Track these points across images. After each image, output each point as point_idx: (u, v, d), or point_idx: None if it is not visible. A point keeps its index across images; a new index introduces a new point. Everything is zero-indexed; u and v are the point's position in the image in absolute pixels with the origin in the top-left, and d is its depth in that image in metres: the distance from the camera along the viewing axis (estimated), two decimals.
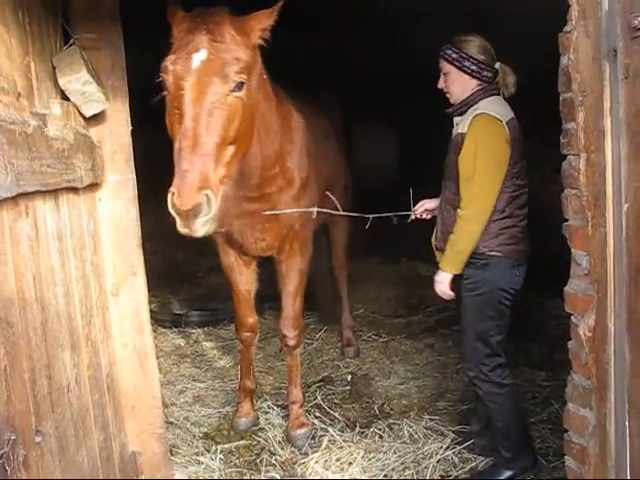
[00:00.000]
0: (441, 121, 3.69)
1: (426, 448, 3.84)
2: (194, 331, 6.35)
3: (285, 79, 3.78)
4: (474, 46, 3.37)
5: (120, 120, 3.05)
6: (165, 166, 2.72)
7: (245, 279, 4.14)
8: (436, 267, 3.52)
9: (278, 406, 4.56)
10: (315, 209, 3.75)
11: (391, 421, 4.23)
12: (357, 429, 4.14)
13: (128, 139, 3.07)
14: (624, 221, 2.05)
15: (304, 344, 5.21)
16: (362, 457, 3.77)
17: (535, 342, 5.14)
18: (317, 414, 4.40)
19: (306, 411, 4.30)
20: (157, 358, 3.37)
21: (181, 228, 2.58)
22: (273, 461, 3.85)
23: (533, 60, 4.13)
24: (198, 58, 2.67)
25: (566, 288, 2.47)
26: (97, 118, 2.94)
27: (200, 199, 2.50)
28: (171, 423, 4.30)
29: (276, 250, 3.97)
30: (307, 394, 4.56)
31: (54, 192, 2.37)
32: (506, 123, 3.24)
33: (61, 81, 2.65)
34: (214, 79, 2.66)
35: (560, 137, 2.42)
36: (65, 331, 2.41)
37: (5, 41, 2.14)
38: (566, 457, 2.57)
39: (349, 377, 5.05)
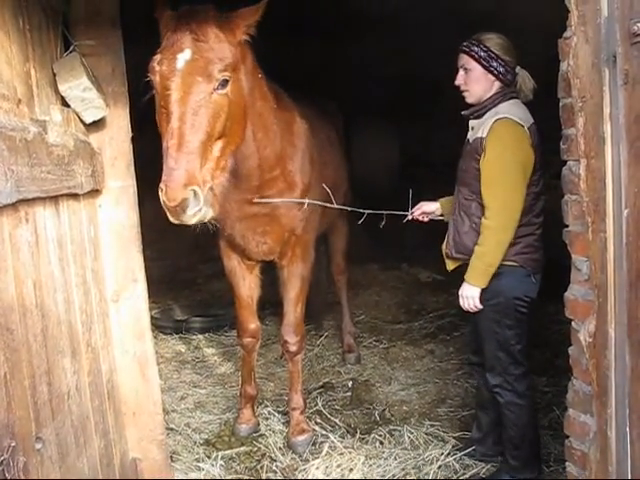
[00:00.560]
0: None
1: (427, 454, 3.82)
2: (195, 337, 6.33)
3: (286, 85, 3.82)
4: (501, 46, 3.25)
5: (120, 126, 3.06)
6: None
7: (248, 284, 4.13)
8: (439, 273, 3.49)
9: (279, 412, 4.55)
10: (306, 200, 3.70)
11: (392, 427, 4.22)
12: (358, 435, 4.12)
13: (128, 145, 3.07)
14: (624, 227, 2.05)
15: (305, 350, 5.22)
16: (363, 463, 3.76)
17: (537, 348, 5.13)
18: (318, 420, 4.39)
19: (307, 417, 4.29)
20: (158, 364, 3.37)
21: (172, 219, 2.68)
22: (274, 467, 3.84)
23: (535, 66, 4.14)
24: (182, 58, 2.73)
25: (566, 294, 2.47)
26: (97, 124, 2.95)
27: (186, 194, 2.58)
28: (172, 429, 4.29)
29: (278, 255, 3.97)
30: (308, 400, 4.55)
31: (54, 198, 2.37)
32: (528, 128, 3.15)
33: (61, 87, 2.66)
34: (198, 78, 2.73)
35: (560, 143, 2.42)
36: (65, 338, 2.41)
37: (5, 48, 2.15)
38: (567, 463, 2.56)
39: (350, 383, 5.04)
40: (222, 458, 3.92)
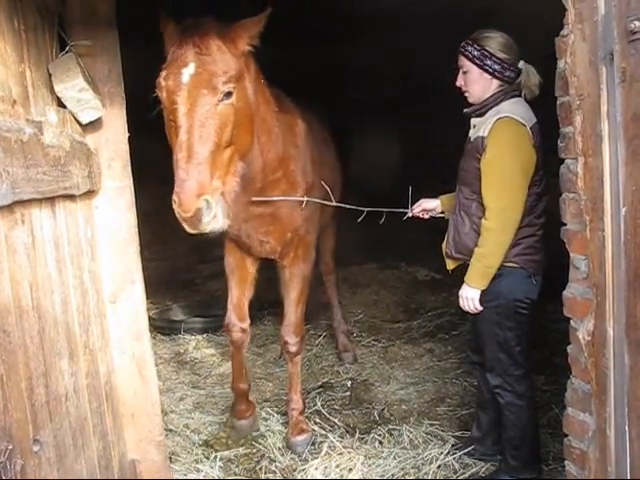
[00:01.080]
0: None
1: (426, 454, 3.82)
2: (193, 338, 6.32)
3: (284, 88, 3.86)
4: (497, 43, 3.21)
5: (117, 127, 3.05)
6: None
7: (243, 282, 4.20)
8: (437, 272, 3.49)
9: (278, 413, 4.55)
10: (305, 198, 3.76)
11: (391, 427, 4.22)
12: (357, 435, 4.12)
13: (125, 146, 3.07)
14: (622, 225, 2.04)
15: (304, 350, 5.22)
16: (362, 463, 3.75)
17: (535, 346, 5.12)
18: (317, 420, 4.39)
19: (306, 417, 4.29)
20: (156, 365, 3.36)
21: (189, 230, 2.80)
22: (273, 468, 3.83)
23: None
24: (187, 72, 2.84)
25: (565, 292, 2.46)
26: (93, 125, 2.94)
27: (199, 204, 2.69)
28: (170, 430, 4.29)
29: (280, 254, 4.02)
30: (307, 400, 4.55)
31: (50, 200, 2.36)
32: (530, 127, 3.11)
33: (57, 88, 2.65)
34: (203, 91, 2.82)
35: (558, 141, 2.42)
36: (63, 339, 2.40)
37: (0, 49, 2.14)
38: (566, 462, 2.56)
39: (349, 383, 5.04)
40: (221, 459, 3.92)
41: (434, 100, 6.14)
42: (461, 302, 3.33)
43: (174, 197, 2.71)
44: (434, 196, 3.77)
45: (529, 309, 3.28)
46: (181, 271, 8.28)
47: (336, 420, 4.38)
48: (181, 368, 5.60)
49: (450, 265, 3.49)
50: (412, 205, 3.75)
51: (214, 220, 2.76)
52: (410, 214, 3.77)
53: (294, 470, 3.81)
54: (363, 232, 4.99)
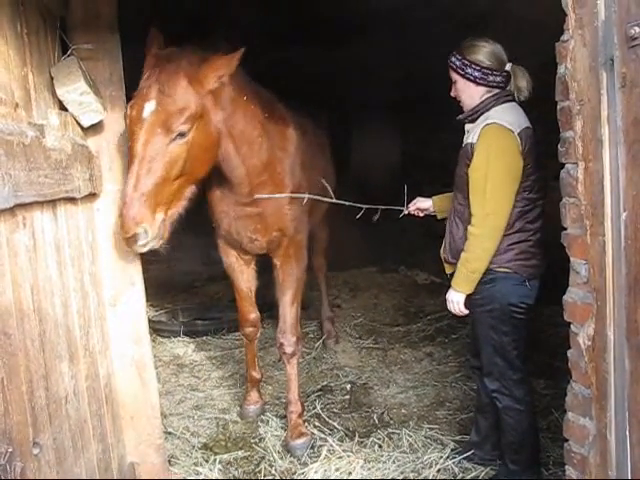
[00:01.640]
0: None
1: (426, 457, 3.82)
2: (193, 340, 6.32)
3: (285, 93, 3.92)
4: (480, 52, 3.21)
5: (118, 130, 3.06)
6: None
7: (246, 277, 4.40)
8: (437, 276, 3.51)
9: (277, 416, 4.55)
10: (306, 195, 3.87)
11: (390, 430, 4.21)
12: (356, 439, 4.12)
13: (126, 149, 3.07)
14: (622, 230, 2.04)
15: (303, 353, 5.23)
16: (361, 467, 3.75)
17: (535, 350, 5.12)
18: (316, 424, 4.38)
19: (305, 421, 4.28)
20: (156, 368, 3.36)
21: (126, 247, 3.01)
22: (272, 471, 3.82)
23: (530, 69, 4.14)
24: (148, 108, 2.98)
25: (565, 297, 2.46)
26: (95, 128, 2.95)
27: (137, 230, 2.90)
28: (170, 433, 4.28)
29: (269, 250, 4.17)
30: (306, 403, 4.55)
31: (52, 202, 2.37)
32: (518, 133, 3.09)
33: (59, 91, 2.66)
34: (157, 130, 2.97)
35: (558, 146, 2.42)
36: (63, 342, 2.41)
37: (3, 52, 2.14)
38: (566, 467, 2.55)
39: (348, 386, 5.04)
40: (220, 462, 3.91)
41: (435, 103, 6.15)
42: (448, 305, 3.38)
43: (118, 216, 2.98)
44: (429, 195, 3.87)
45: (525, 314, 3.28)
46: (181, 274, 8.29)
47: (335, 423, 4.37)
48: (180, 371, 5.60)
49: (448, 270, 3.50)
50: (408, 204, 3.84)
51: (149, 244, 2.97)
52: (406, 212, 3.86)
53: (293, 473, 3.80)
54: (363, 236, 5.01)
